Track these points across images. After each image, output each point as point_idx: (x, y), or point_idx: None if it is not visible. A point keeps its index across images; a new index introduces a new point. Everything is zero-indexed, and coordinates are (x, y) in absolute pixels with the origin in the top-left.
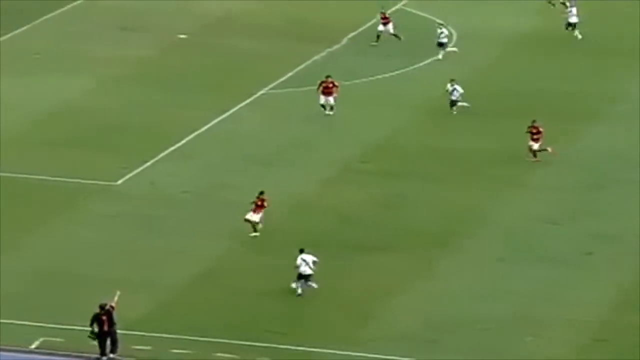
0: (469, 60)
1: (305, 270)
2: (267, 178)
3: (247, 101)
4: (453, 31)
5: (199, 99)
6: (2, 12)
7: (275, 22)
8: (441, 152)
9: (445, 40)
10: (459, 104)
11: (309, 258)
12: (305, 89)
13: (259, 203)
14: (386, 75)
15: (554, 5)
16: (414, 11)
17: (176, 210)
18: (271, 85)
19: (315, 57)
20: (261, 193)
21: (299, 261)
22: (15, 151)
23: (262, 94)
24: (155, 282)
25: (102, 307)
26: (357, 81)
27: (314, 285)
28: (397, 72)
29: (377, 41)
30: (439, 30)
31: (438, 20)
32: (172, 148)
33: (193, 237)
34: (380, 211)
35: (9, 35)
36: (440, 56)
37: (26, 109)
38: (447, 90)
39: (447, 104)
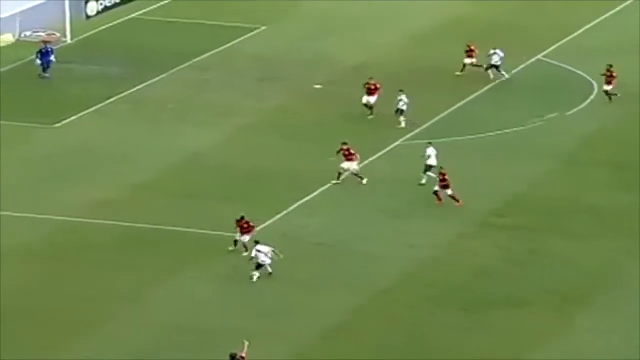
0: (607, 111)
1: (265, 260)
2: (400, 230)
3: (382, 152)
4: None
5: (334, 150)
6: (139, 60)
7: (411, 71)
8: (578, 206)
9: (498, 62)
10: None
11: (265, 249)
12: (439, 140)
13: None
14: (522, 127)
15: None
16: (551, 61)
17: (309, 262)
18: (406, 137)
19: (451, 109)
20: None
21: (254, 253)
22: (144, 201)
23: (397, 145)
24: (286, 334)
25: (232, 356)
26: (490, 133)
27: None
28: (532, 123)
29: (461, 71)
30: (491, 51)
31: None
32: (305, 199)
33: (326, 289)
34: (515, 266)
35: (144, 84)
36: (491, 76)
37: (156, 159)
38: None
39: (584, 156)
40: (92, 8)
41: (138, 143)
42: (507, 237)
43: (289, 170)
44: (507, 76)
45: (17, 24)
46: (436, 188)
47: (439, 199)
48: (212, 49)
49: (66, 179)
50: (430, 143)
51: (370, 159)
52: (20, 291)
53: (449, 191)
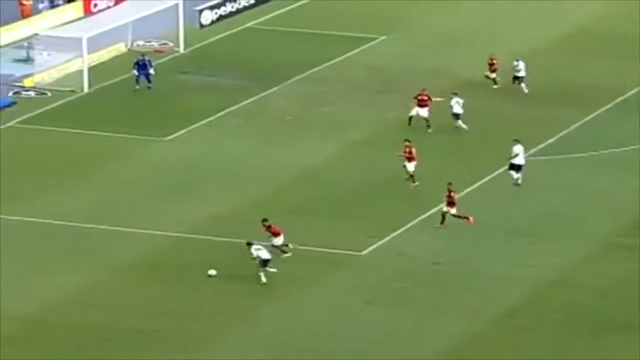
0: None
1: (264, 255)
2: (520, 251)
3: (502, 169)
4: None
5: (454, 167)
6: (254, 71)
7: (538, 86)
8: None
9: (522, 74)
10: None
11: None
12: (564, 156)
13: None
14: None
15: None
16: None
17: (425, 284)
18: (529, 152)
19: (577, 123)
20: None
21: (255, 253)
22: (258, 217)
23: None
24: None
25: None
26: (615, 150)
27: (274, 270)
28: None
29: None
30: (514, 62)
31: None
32: (422, 216)
33: (443, 312)
34: None
35: (258, 96)
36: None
37: (271, 174)
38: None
39: None
40: (206, 17)
41: (251, 157)
42: (633, 259)
43: (406, 187)
44: (526, 91)
45: (130, 34)
46: (444, 209)
47: (443, 221)
48: (329, 60)
49: (178, 194)
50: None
51: (491, 175)
52: (133, 310)
53: (454, 210)
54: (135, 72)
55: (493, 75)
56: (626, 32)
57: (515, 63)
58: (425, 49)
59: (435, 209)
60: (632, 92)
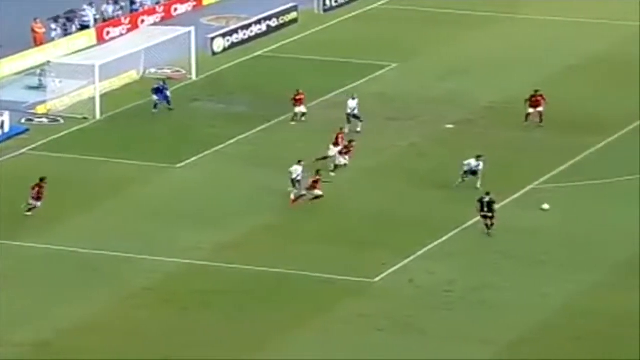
0: None
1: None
2: (534, 278)
3: (515, 196)
4: None
5: (465, 193)
6: (265, 99)
7: (552, 114)
8: None
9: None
10: None
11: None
12: (578, 183)
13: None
14: None
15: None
16: None
17: (436, 311)
18: (542, 179)
19: (591, 150)
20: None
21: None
22: (269, 245)
23: (532, 189)
24: None
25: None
26: (630, 177)
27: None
28: None
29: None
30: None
31: None
32: (433, 244)
33: (454, 341)
34: None
35: (269, 124)
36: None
37: (282, 200)
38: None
39: None
40: (218, 44)
41: (262, 184)
42: None
43: (417, 215)
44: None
45: (142, 61)
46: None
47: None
48: (341, 87)
49: (189, 221)
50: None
51: (505, 201)
52: (146, 337)
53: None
54: (154, 96)
55: (539, 109)
56: (636, 60)
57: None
58: (438, 76)
59: (446, 237)
60: None
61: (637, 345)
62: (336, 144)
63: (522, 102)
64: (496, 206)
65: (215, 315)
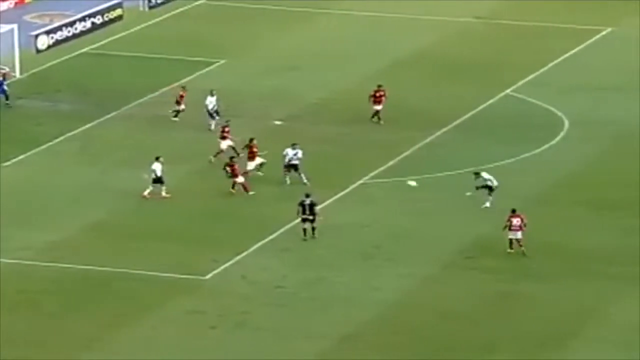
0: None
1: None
2: (365, 273)
3: (345, 191)
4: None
5: (295, 189)
6: (90, 97)
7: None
8: (553, 248)
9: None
10: None
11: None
12: (404, 178)
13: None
14: (494, 164)
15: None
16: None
17: (269, 307)
18: (370, 175)
19: (419, 144)
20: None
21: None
22: (97, 244)
23: (361, 184)
24: None
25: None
26: (459, 171)
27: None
28: (505, 160)
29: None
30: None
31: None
32: (266, 240)
33: (288, 336)
34: (485, 310)
35: (95, 122)
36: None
37: (108, 200)
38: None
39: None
40: (43, 42)
41: (90, 183)
42: (475, 280)
43: (249, 212)
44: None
45: None
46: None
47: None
48: (168, 84)
49: (17, 220)
50: (477, 173)
51: (335, 197)
52: None
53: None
54: None
55: (378, 108)
56: (461, 56)
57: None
58: (266, 73)
59: (278, 232)
60: (467, 115)
61: (464, 339)
62: (224, 137)
63: (353, 97)
64: (317, 208)
65: (42, 315)
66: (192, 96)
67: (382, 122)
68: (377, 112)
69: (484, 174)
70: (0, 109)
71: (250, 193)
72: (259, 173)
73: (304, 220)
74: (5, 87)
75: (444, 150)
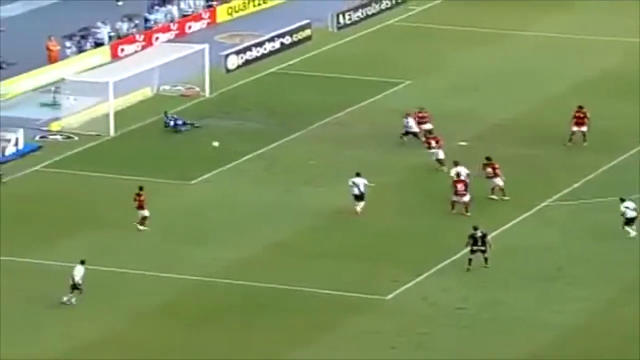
0: None
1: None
2: (546, 296)
3: (528, 213)
4: None
5: (479, 210)
6: (279, 116)
7: (564, 130)
8: None
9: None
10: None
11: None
12: (592, 201)
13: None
14: None
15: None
16: None
17: (449, 328)
18: (555, 197)
19: (604, 167)
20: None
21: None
22: (281, 262)
23: (545, 206)
24: None
25: None
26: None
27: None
28: None
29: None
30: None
31: None
32: (448, 261)
33: (466, 356)
34: None
35: (283, 141)
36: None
37: (293, 218)
38: None
39: None
40: (232, 62)
41: (275, 201)
42: None
43: (428, 231)
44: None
45: (156, 78)
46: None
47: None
48: (355, 104)
49: (202, 238)
50: (623, 199)
51: (517, 219)
52: (154, 355)
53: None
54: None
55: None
56: None
57: (404, 120)
58: (452, 92)
59: (460, 254)
60: None
61: None
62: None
63: (537, 118)
64: (489, 238)
65: (221, 332)
66: (377, 117)
67: (585, 143)
68: (573, 134)
69: (628, 203)
70: (189, 128)
71: (468, 214)
72: (494, 197)
73: (473, 251)
74: (179, 122)
75: (629, 174)
